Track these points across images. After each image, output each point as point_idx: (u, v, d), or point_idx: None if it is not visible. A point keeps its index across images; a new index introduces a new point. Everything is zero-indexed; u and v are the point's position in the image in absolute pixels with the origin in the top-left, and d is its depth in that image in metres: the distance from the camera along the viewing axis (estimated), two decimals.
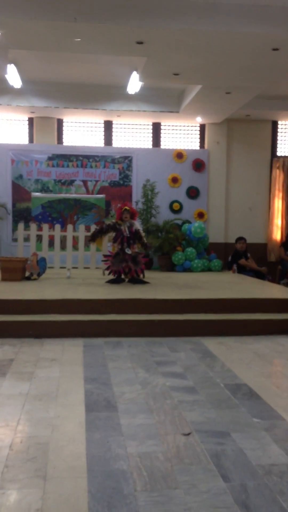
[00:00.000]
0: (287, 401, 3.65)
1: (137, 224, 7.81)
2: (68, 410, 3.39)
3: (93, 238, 7.90)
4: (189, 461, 2.67)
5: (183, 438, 2.96)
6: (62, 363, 4.52)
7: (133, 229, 7.61)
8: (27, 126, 10.93)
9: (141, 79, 8.17)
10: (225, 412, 3.39)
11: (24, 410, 3.36)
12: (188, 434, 3.02)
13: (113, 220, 7.91)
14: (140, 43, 6.44)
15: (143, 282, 7.58)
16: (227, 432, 3.05)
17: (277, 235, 11.23)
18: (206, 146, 11.22)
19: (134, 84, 8.49)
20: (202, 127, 11.33)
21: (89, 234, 9.03)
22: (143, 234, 7.79)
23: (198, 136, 11.40)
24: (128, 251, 7.49)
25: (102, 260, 8.04)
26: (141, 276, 7.70)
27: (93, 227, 9.07)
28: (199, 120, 10.89)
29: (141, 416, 3.29)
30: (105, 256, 7.92)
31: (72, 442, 2.89)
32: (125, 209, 7.66)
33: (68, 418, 3.25)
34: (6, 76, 8.30)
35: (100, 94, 9.92)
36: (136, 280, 7.58)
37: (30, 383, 3.93)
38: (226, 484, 2.44)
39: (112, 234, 7.81)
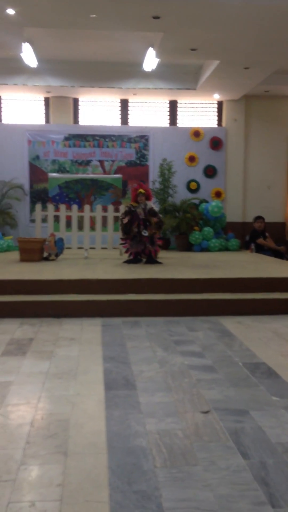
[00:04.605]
0: None
1: (151, 203, 7.77)
2: (87, 388, 3.42)
3: (126, 232, 7.63)
4: (208, 439, 2.68)
5: (202, 416, 2.97)
6: (81, 342, 4.56)
7: (147, 209, 7.58)
8: (43, 106, 10.89)
9: (157, 55, 8.04)
10: (244, 390, 3.39)
11: (44, 388, 3.41)
12: (207, 412, 3.03)
13: (128, 204, 7.88)
14: (157, 17, 6.32)
15: (157, 263, 7.58)
16: (246, 410, 3.05)
17: None
18: (223, 123, 11.06)
19: (151, 61, 8.36)
20: (220, 104, 11.15)
21: (106, 214, 9.05)
22: (156, 210, 7.71)
23: (216, 113, 11.22)
24: (145, 233, 7.49)
25: (120, 244, 8.02)
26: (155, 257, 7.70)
27: (110, 208, 9.06)
28: (216, 97, 10.71)
29: (159, 394, 3.30)
30: (122, 239, 7.91)
31: (92, 419, 2.92)
32: (140, 192, 7.62)
33: (88, 396, 3.28)
34: (21, 55, 8.25)
35: (116, 72, 9.80)
36: (151, 261, 7.58)
37: (50, 361, 3.98)
38: (246, 461, 2.45)
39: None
